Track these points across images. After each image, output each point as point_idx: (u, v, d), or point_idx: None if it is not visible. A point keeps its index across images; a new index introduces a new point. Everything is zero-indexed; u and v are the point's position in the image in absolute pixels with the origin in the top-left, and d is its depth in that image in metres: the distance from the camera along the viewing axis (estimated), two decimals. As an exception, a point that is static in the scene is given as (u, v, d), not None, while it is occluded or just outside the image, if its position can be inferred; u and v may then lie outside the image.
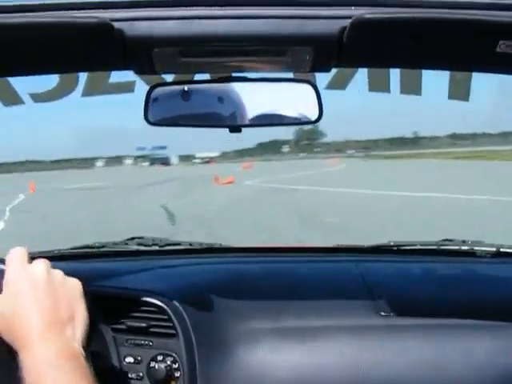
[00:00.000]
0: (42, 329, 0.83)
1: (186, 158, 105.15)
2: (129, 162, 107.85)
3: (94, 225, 10.87)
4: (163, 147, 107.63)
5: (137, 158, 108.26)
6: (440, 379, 1.28)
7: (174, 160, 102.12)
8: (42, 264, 0.90)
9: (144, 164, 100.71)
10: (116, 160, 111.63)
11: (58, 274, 0.91)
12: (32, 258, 0.92)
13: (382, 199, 14.83)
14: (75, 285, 0.91)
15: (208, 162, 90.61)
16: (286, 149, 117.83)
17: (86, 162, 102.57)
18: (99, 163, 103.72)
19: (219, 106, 1.03)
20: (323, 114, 1.04)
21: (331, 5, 0.81)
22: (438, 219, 9.88)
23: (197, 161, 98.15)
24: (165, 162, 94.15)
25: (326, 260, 1.75)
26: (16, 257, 0.90)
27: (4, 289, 0.87)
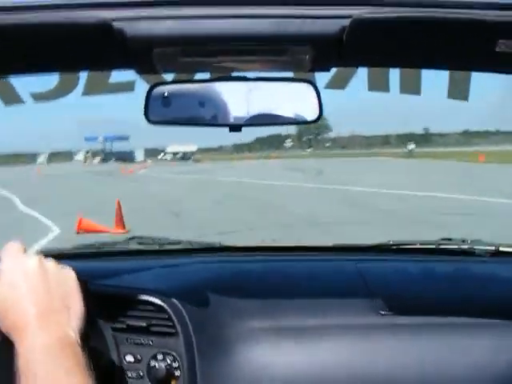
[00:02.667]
0: (35, 317, 0.84)
1: (154, 153, 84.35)
2: (79, 157, 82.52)
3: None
4: (124, 137, 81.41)
5: (87, 152, 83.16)
6: (439, 378, 1.29)
7: (140, 155, 79.55)
8: (34, 256, 0.92)
9: (95, 161, 75.13)
10: (63, 155, 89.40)
11: (51, 265, 0.92)
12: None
13: None
14: (69, 276, 0.93)
15: (185, 158, 72.88)
16: (288, 143, 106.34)
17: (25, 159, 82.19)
18: (41, 159, 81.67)
19: (220, 105, 1.03)
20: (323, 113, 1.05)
21: (331, 4, 0.81)
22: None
23: (167, 157, 77.96)
24: (125, 157, 70.59)
25: (326, 259, 1.76)
26: (10, 250, 0.92)
27: None
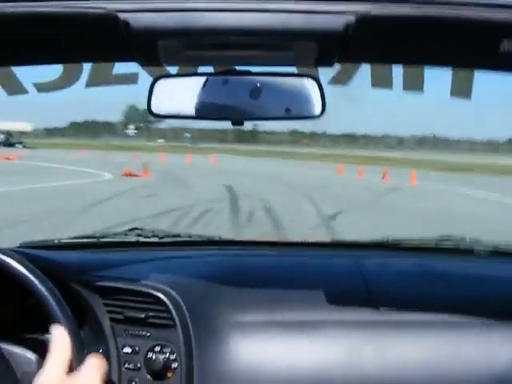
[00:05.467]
0: None
1: None
2: None
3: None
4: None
5: None
6: (437, 374, 1.29)
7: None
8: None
9: None
10: None
11: None
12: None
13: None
14: None
15: (9, 143, 47.34)
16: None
17: None
18: None
19: (222, 98, 1.03)
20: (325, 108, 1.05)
21: None
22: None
23: None
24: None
25: (325, 255, 1.76)
26: (99, 370, 0.89)
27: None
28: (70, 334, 0.94)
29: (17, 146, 48.08)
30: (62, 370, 0.87)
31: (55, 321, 1.01)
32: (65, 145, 55.42)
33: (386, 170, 24.68)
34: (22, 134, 55.31)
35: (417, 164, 38.79)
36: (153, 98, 1.05)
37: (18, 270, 1.04)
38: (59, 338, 0.92)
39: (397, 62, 1.16)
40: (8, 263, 1.04)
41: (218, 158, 39.58)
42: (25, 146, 48.26)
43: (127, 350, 1.30)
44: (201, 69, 1.13)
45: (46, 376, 0.86)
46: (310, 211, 12.14)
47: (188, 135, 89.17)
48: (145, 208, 11.51)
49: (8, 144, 48.14)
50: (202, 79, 1.06)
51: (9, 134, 50.57)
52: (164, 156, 38.11)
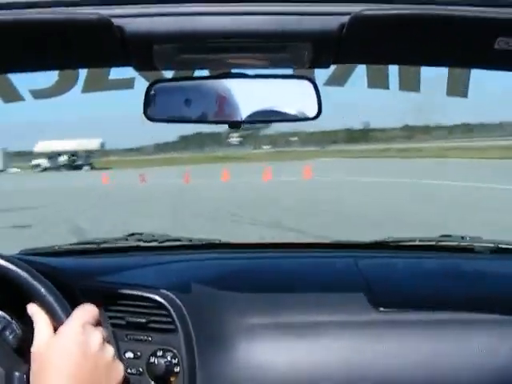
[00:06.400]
0: None
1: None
2: None
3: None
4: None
5: None
6: (439, 374, 1.29)
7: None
8: (99, 335, 0.92)
9: None
10: None
11: (110, 352, 0.92)
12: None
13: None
14: (119, 369, 0.94)
15: (75, 164, 43.18)
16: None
17: None
18: None
19: (219, 102, 1.03)
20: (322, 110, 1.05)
21: (330, 1, 0.82)
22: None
23: (40, 164, 43.96)
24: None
25: (326, 256, 1.76)
26: (83, 315, 0.92)
27: (57, 336, 0.90)
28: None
29: (84, 167, 43.66)
30: (48, 332, 0.91)
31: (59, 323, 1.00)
32: (140, 162, 46.94)
33: None
34: (91, 152, 49.28)
35: None
36: (149, 102, 1.05)
37: (21, 275, 1.03)
38: (36, 311, 0.95)
39: (392, 62, 1.17)
40: (8, 268, 1.04)
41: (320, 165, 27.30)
42: (92, 168, 43.73)
43: (129, 354, 1.30)
44: (196, 72, 1.13)
45: (36, 343, 0.90)
46: None
47: (295, 139, 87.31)
48: None
49: (73, 166, 43.44)
50: (198, 83, 1.06)
51: (72, 154, 44.93)
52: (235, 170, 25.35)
